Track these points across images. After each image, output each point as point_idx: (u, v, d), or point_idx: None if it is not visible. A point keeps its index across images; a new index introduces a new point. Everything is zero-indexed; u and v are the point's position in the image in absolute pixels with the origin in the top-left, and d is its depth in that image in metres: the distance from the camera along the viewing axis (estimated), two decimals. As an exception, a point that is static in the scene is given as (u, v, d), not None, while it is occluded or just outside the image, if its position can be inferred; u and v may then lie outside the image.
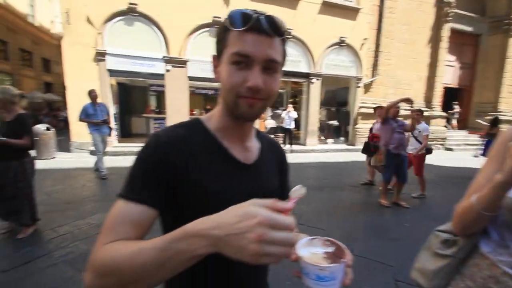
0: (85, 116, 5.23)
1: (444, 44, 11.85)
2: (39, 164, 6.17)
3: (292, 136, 9.87)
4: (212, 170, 0.62)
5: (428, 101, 12.38)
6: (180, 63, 8.58)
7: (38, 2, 16.75)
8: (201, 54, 8.63)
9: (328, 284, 0.47)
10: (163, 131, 0.64)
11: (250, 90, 0.57)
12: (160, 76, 8.65)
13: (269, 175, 0.74)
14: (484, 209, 0.76)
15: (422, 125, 4.96)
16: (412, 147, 5.00)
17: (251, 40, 0.56)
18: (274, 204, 0.41)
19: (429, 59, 12.02)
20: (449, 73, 13.17)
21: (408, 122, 4.52)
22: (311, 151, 9.76)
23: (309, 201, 4.48)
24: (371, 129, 5.55)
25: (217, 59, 0.64)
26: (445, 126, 12.71)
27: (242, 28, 0.55)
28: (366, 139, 5.67)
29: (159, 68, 8.49)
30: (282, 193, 0.78)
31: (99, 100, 5.50)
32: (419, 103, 12.03)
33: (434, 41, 11.88)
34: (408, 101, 4.11)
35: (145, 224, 0.55)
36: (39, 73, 16.80)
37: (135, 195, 0.55)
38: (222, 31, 0.60)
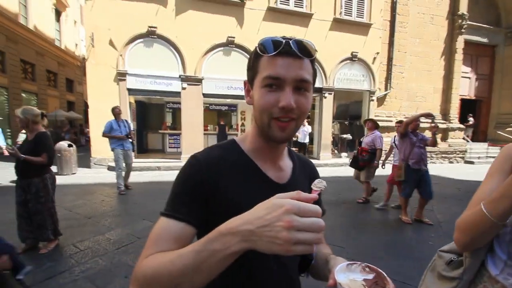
0: (108, 131, 5.40)
1: (459, 56, 11.71)
2: (61, 180, 6.41)
3: (306, 151, 9.82)
4: (247, 189, 0.65)
5: (445, 114, 12.10)
6: (196, 81, 8.86)
7: (65, 26, 17.96)
8: (215, 72, 8.92)
9: None
10: (200, 153, 0.67)
11: (282, 109, 0.59)
12: (177, 94, 8.95)
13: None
14: (496, 215, 0.68)
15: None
16: (395, 159, 4.95)
17: (281, 63, 0.59)
18: (299, 195, 0.43)
19: (444, 71, 11.87)
20: (465, 85, 12.91)
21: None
22: (325, 165, 9.64)
23: (326, 217, 4.37)
24: (360, 142, 5.43)
25: (249, 85, 0.68)
26: (464, 139, 12.32)
27: (273, 53, 0.58)
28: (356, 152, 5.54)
29: (176, 86, 8.80)
30: None
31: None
32: (435, 116, 11.78)
33: (448, 53, 11.77)
34: (429, 116, 4.05)
35: (184, 240, 0.57)
36: (63, 93, 17.74)
37: (175, 213, 0.59)
38: (253, 58, 0.64)
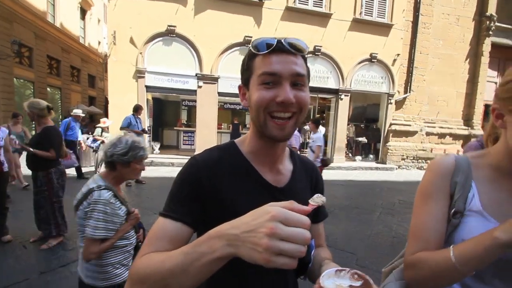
0: (126, 125, 5.72)
1: (485, 59, 11.16)
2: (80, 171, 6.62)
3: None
4: (244, 192, 0.65)
5: (468, 119, 11.58)
6: (212, 79, 8.96)
7: (89, 25, 18.65)
8: (231, 71, 8.97)
9: None
10: (200, 155, 0.68)
11: (281, 104, 0.59)
12: (193, 92, 9.09)
13: (302, 197, 0.74)
14: (469, 271, 0.62)
15: (316, 135, 4.76)
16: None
17: (276, 60, 0.60)
18: (291, 205, 0.41)
19: (468, 75, 11.35)
20: (491, 90, 12.27)
21: None
22: (338, 168, 9.48)
23: (338, 221, 4.32)
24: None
25: (244, 88, 0.68)
26: (488, 146, 11.73)
27: (267, 51, 0.60)
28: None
29: (192, 84, 8.94)
30: (316, 215, 0.79)
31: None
32: (457, 121, 11.31)
33: (473, 56, 11.25)
34: None
35: (180, 240, 0.58)
36: (85, 88, 18.42)
37: (172, 213, 0.60)
38: (247, 60, 0.66)
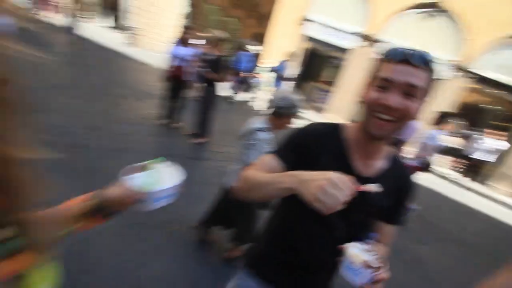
0: (277, 69, 6.80)
1: None
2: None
3: (477, 169, 7.56)
4: (328, 168, 0.74)
5: None
6: (372, 41, 8.03)
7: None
8: (401, 37, 7.66)
9: (351, 275, 0.65)
10: (312, 124, 0.88)
11: (382, 107, 0.68)
12: (347, 50, 8.54)
13: (381, 194, 0.77)
14: None
15: (433, 131, 3.66)
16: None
17: (396, 68, 0.67)
18: (350, 178, 0.58)
19: None
20: None
21: None
22: (492, 199, 7.16)
23: (444, 252, 3.53)
24: None
25: (369, 83, 0.77)
26: None
27: (392, 59, 0.68)
28: None
29: (350, 42, 8.34)
30: (389, 217, 0.87)
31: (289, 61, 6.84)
32: None
33: None
34: None
35: (274, 169, 0.81)
36: (254, 26, 20.46)
37: (278, 153, 0.84)
38: (378, 63, 0.73)
